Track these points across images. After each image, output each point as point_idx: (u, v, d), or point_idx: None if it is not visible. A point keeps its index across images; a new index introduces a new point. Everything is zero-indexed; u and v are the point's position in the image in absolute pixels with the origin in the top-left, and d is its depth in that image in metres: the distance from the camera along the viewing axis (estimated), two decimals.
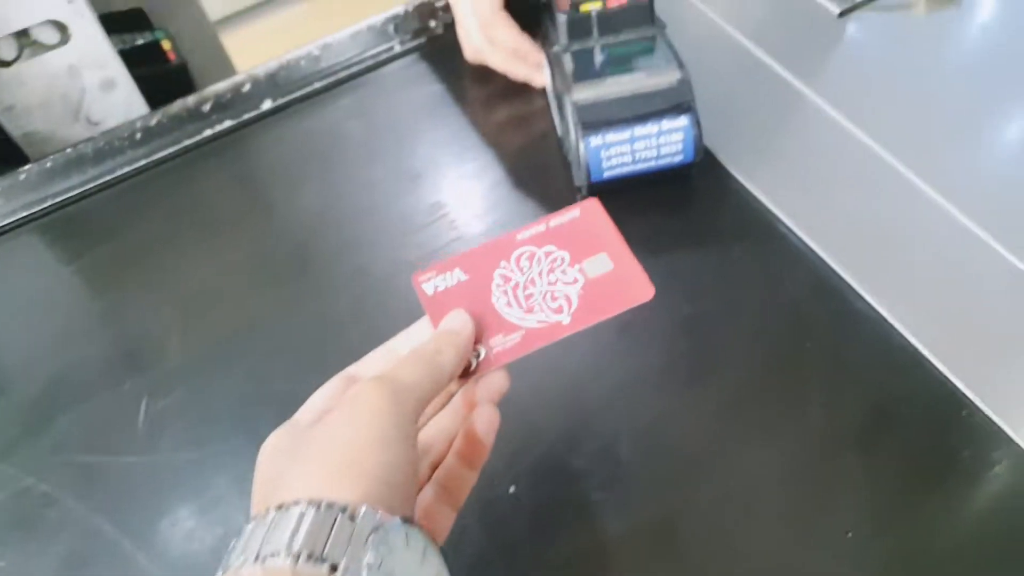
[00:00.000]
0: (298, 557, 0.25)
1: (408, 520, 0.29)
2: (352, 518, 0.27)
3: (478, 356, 0.36)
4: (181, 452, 0.46)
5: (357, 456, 0.29)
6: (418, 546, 0.28)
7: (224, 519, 0.44)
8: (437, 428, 0.36)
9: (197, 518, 0.44)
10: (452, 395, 0.38)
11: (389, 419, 0.30)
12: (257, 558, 0.26)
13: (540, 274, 0.38)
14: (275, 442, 0.33)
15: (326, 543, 0.26)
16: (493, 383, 0.36)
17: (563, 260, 0.38)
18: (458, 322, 0.36)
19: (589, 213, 0.40)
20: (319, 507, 0.27)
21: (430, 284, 0.38)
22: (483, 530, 0.41)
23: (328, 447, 0.30)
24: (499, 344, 0.36)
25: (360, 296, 0.53)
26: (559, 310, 0.37)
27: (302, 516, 0.26)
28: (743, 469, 0.43)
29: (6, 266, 0.58)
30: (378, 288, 0.53)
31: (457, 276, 0.38)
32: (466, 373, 0.35)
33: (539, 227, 0.40)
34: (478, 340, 0.36)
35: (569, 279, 0.38)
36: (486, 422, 0.35)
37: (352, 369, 0.37)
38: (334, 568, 0.25)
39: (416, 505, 0.33)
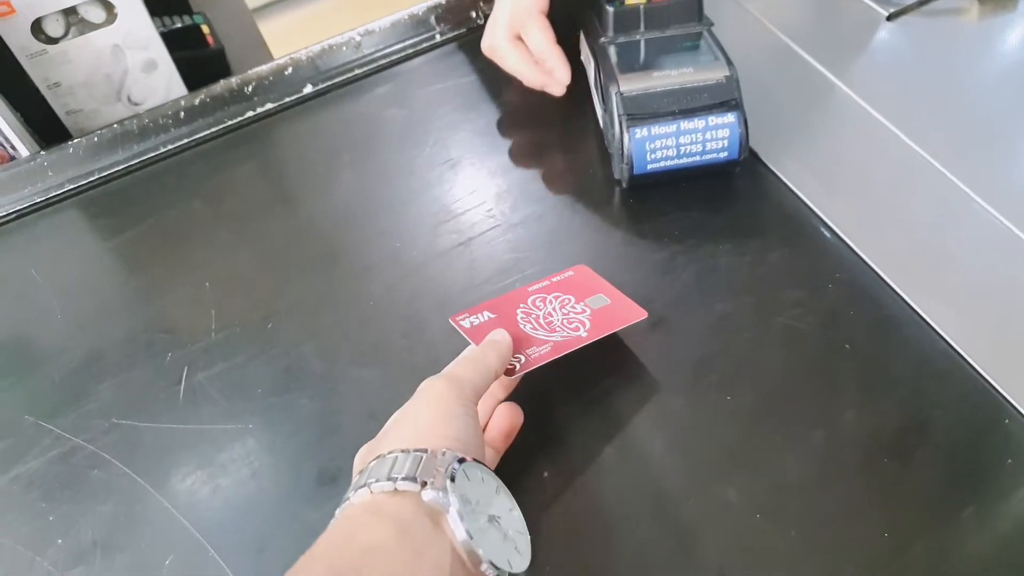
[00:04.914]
0: (396, 480, 0.32)
1: (482, 463, 0.35)
2: (435, 457, 0.33)
3: (520, 361, 0.42)
4: (220, 423, 0.47)
5: (432, 425, 0.36)
6: (492, 483, 0.35)
7: (262, 488, 0.44)
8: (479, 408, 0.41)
9: (236, 487, 0.44)
10: (499, 401, 0.44)
11: (453, 399, 0.37)
12: (364, 486, 0.33)
13: (555, 309, 0.47)
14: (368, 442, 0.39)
15: (417, 470, 0.33)
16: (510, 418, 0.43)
17: (570, 300, 0.47)
18: (499, 334, 0.43)
19: (582, 273, 0.50)
20: (408, 452, 0.34)
21: (466, 321, 0.45)
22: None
23: (408, 423, 0.37)
24: (534, 352, 0.43)
25: (395, 282, 0.53)
26: (576, 329, 0.45)
27: (396, 459, 0.33)
28: (777, 468, 0.43)
29: (53, 237, 0.58)
30: (413, 274, 0.53)
31: (487, 315, 0.46)
32: (512, 373, 0.42)
33: (544, 283, 0.49)
34: (517, 351, 0.43)
35: (579, 311, 0.46)
36: (515, 413, 0.43)
37: None
38: (424, 484, 0.32)
39: None
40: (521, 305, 0.47)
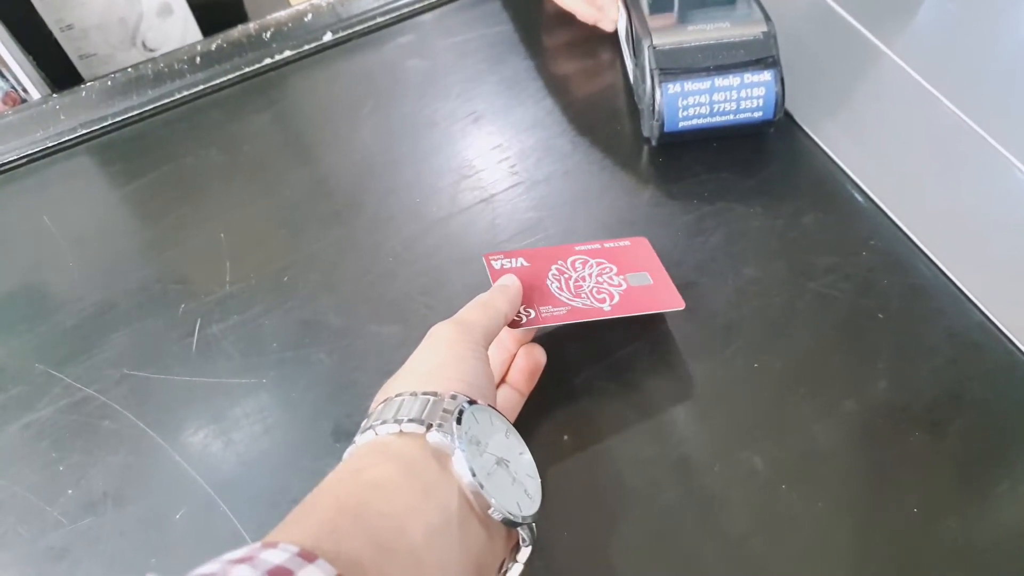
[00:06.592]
0: (401, 422, 0.32)
1: (493, 407, 0.34)
2: (443, 400, 0.32)
3: (529, 315, 0.41)
4: (234, 376, 0.45)
5: (440, 367, 0.35)
6: (501, 426, 0.34)
7: (275, 443, 0.43)
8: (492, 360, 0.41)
9: (249, 442, 0.43)
10: (513, 354, 0.43)
11: (461, 343, 0.36)
12: (370, 429, 0.32)
13: (590, 275, 0.45)
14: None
15: (423, 412, 0.32)
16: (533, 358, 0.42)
17: (611, 270, 0.45)
18: (508, 280, 0.42)
19: (638, 245, 0.48)
20: (416, 395, 0.33)
21: (498, 262, 0.44)
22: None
23: (417, 367, 0.36)
24: (547, 312, 0.42)
25: (414, 236, 0.51)
26: (602, 301, 0.43)
27: (403, 401, 0.33)
28: (805, 437, 0.41)
29: (65, 183, 0.57)
30: (433, 229, 0.52)
31: (520, 262, 0.45)
32: (517, 325, 0.41)
33: (594, 245, 0.47)
34: (529, 304, 0.42)
35: (615, 283, 0.45)
36: (537, 353, 0.42)
37: None
38: (430, 427, 0.31)
39: None
40: (559, 262, 0.45)
